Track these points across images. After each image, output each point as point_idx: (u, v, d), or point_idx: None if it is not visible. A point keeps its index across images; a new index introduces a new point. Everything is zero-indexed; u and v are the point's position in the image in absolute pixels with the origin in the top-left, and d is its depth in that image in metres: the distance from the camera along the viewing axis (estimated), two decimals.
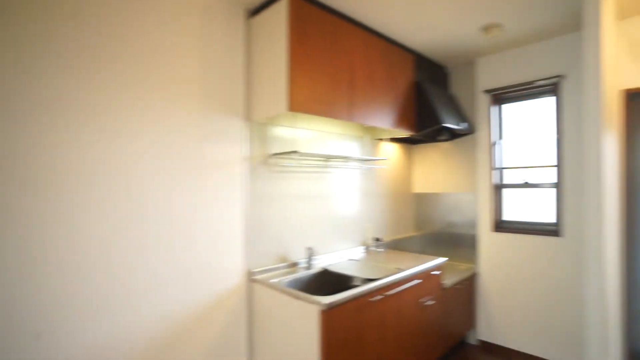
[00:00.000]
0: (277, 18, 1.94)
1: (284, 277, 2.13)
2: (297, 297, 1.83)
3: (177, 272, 1.82)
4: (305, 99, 1.93)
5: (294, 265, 2.36)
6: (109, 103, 1.61)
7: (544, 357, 2.69)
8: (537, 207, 2.82)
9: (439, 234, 3.32)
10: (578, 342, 2.54)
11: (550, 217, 2.74)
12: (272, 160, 2.24)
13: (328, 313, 1.73)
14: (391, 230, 3.20)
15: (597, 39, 1.88)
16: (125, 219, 1.65)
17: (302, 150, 2.39)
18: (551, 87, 2.70)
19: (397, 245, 3.19)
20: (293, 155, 2.28)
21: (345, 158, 2.55)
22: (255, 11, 2.12)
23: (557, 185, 2.66)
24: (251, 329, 2.14)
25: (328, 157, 2.51)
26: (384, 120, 2.48)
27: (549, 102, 2.75)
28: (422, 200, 3.43)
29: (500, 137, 2.99)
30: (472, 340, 3.10)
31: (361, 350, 1.94)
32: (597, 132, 1.93)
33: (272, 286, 1.99)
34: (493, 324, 2.95)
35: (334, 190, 2.65)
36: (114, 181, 1.62)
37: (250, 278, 2.13)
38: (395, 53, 2.60)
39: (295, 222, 2.40)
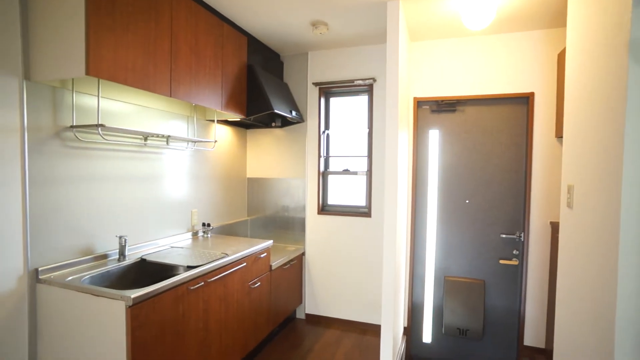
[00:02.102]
0: None
1: (87, 273, 1.81)
2: (98, 294, 1.58)
3: None
4: (112, 64, 1.65)
5: (103, 257, 2.04)
6: None
7: (359, 320, 3.14)
8: (355, 192, 3.23)
9: (271, 218, 3.44)
10: (380, 303, 3.05)
11: (363, 200, 3.18)
12: (68, 134, 1.85)
13: (138, 308, 1.55)
14: (222, 215, 3.14)
15: (396, 55, 2.24)
16: None
17: (114, 125, 2.06)
18: (366, 88, 3.11)
19: (227, 231, 3.16)
20: (100, 130, 1.94)
21: (168, 137, 2.33)
22: None
23: (368, 173, 3.10)
24: (36, 343, 1.74)
25: (147, 135, 2.25)
26: (212, 101, 2.37)
27: (365, 100, 3.16)
28: (256, 185, 3.48)
29: (327, 128, 3.29)
30: (300, 314, 3.36)
31: (181, 342, 1.82)
32: (394, 130, 2.31)
33: (66, 285, 1.66)
34: (317, 298, 3.26)
35: (156, 173, 2.40)
36: None
37: (37, 278, 1.72)
38: (228, 31, 2.51)
39: (105, 208, 2.06)
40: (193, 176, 2.75)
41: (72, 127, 1.85)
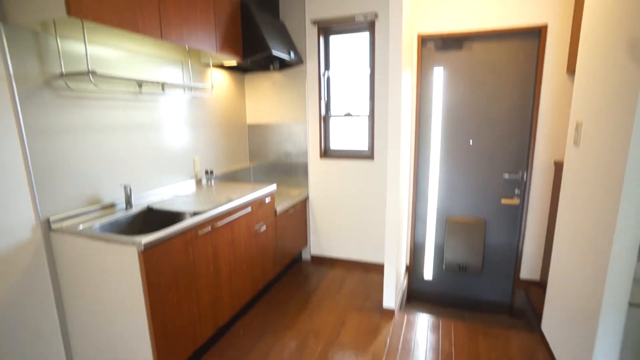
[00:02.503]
0: None
1: (97, 221, 1.85)
2: (110, 241, 1.63)
3: None
4: (96, 4, 1.54)
5: (111, 206, 2.08)
6: None
7: (362, 260, 3.27)
8: (358, 136, 3.19)
9: (274, 164, 3.44)
10: (383, 243, 3.16)
11: (365, 144, 3.15)
12: (59, 82, 1.78)
13: (149, 253, 1.61)
14: (225, 162, 3.14)
15: None
16: None
17: (105, 71, 1.98)
18: (368, 24, 2.92)
19: (231, 177, 3.18)
20: (92, 78, 1.87)
21: (163, 84, 2.25)
22: None
23: (370, 115, 3.03)
24: (59, 288, 1.83)
25: (141, 83, 2.17)
26: (205, 43, 2.25)
27: (366, 38, 2.99)
28: (256, 131, 3.43)
29: (328, 69, 3.15)
30: (306, 256, 3.49)
31: (194, 284, 1.92)
32: (398, 69, 2.21)
33: (79, 234, 1.71)
34: (322, 240, 3.37)
35: (154, 121, 2.36)
36: None
37: (51, 228, 1.77)
38: None
39: (107, 158, 2.06)
40: (193, 124, 2.70)
41: (61, 75, 1.78)
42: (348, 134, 3.22)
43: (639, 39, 1.30)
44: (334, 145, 3.26)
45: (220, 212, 2.10)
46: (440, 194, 2.85)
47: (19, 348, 1.68)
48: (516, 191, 2.66)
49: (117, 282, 1.66)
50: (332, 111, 3.22)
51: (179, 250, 1.80)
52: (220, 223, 2.09)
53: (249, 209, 2.39)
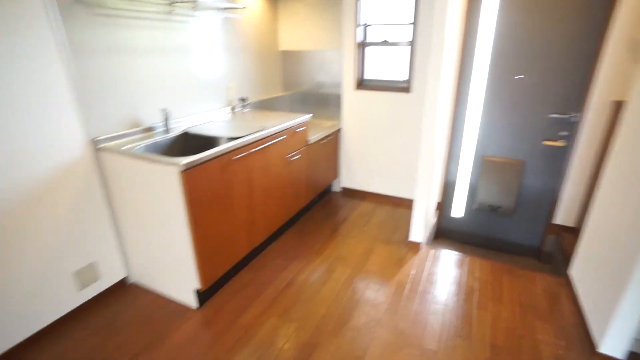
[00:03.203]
0: None
1: (139, 143, 1.93)
2: (154, 161, 1.70)
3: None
4: None
5: (150, 130, 2.14)
6: None
7: (393, 194, 3.29)
8: (395, 66, 3.01)
9: (307, 93, 3.36)
10: (414, 179, 3.14)
11: (403, 75, 2.98)
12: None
13: (189, 173, 1.68)
14: (259, 90, 3.09)
15: None
16: None
17: None
18: None
19: (264, 105, 3.15)
20: None
21: (193, 2, 2.14)
22: None
23: (411, 44, 2.82)
24: (111, 201, 1.98)
25: (171, 1, 2.08)
26: None
27: None
28: (290, 58, 3.31)
29: None
30: (336, 188, 3.55)
31: (230, 205, 2.01)
32: None
33: (124, 153, 1.79)
34: (353, 172, 3.39)
35: (186, 44, 2.31)
36: None
37: (97, 147, 1.86)
38: None
39: (145, 81, 2.07)
40: (226, 48, 2.63)
41: None
42: (385, 63, 3.04)
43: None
44: (369, 75, 3.11)
45: (254, 139, 2.12)
46: (478, 133, 2.72)
47: (81, 248, 1.88)
48: (562, 133, 2.48)
49: (162, 199, 1.77)
50: (369, 38, 3.01)
51: (215, 173, 1.86)
52: (254, 149, 2.11)
53: (283, 137, 2.40)
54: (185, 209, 1.71)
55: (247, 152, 2.07)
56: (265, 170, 2.29)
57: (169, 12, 2.12)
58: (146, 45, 2.03)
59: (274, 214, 2.48)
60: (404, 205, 3.25)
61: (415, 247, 2.56)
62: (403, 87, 2.95)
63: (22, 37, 1.50)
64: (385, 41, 2.94)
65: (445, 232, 3.11)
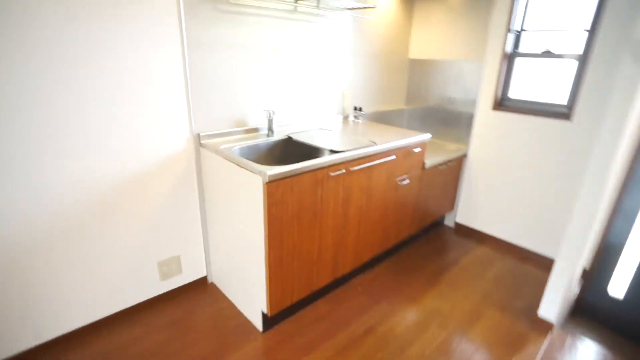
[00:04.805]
0: None
1: (238, 143, 1.84)
2: (241, 166, 1.57)
3: (119, 130, 1.52)
4: None
5: (254, 131, 2.06)
6: None
7: (520, 244, 2.62)
8: (551, 85, 2.36)
9: (433, 109, 2.93)
10: (558, 237, 2.42)
11: (561, 96, 2.31)
12: None
13: (274, 185, 1.49)
14: (376, 100, 2.80)
15: None
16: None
17: None
18: None
19: (381, 118, 2.84)
20: None
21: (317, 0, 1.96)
22: None
23: (582, 57, 2.15)
24: (202, 198, 1.96)
25: None
26: None
27: None
28: (419, 68, 2.92)
29: None
30: (449, 221, 3.03)
31: (319, 226, 1.77)
32: None
33: (219, 152, 1.72)
34: (473, 208, 2.82)
35: (306, 44, 2.16)
36: None
37: (200, 143, 1.84)
38: None
39: (257, 80, 1.99)
40: (347, 51, 2.42)
41: None
42: (537, 80, 2.41)
43: None
44: (514, 93, 2.52)
45: (360, 155, 1.83)
46: None
47: (169, 240, 1.89)
48: None
49: (245, 207, 1.63)
50: (522, 47, 2.43)
51: (306, 188, 1.64)
52: (357, 167, 1.83)
53: (393, 157, 2.06)
54: (265, 223, 1.53)
55: (347, 170, 1.80)
56: (366, 192, 1.99)
57: (293, 10, 2.00)
58: (265, 43, 1.95)
59: (368, 243, 2.16)
60: (534, 261, 2.54)
61: (545, 326, 1.91)
62: (560, 113, 2.28)
63: (154, 28, 1.52)
64: (548, 52, 2.31)
65: (591, 312, 2.30)
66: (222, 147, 1.77)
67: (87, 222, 1.58)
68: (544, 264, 2.50)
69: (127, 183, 1.65)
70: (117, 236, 1.69)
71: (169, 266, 1.93)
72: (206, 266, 2.10)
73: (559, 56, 2.26)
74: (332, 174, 1.72)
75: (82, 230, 1.57)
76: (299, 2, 1.99)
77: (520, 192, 2.53)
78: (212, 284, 2.13)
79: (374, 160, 1.94)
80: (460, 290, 2.17)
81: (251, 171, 1.51)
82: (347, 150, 1.80)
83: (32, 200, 1.41)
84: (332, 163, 1.71)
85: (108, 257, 1.69)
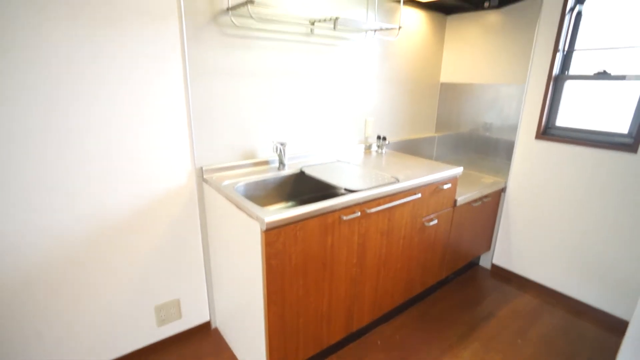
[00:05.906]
0: None
1: (244, 178, 1.68)
2: (240, 208, 1.39)
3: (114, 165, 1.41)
4: None
5: (264, 163, 1.89)
6: None
7: (572, 295, 2.24)
8: (609, 111, 2.03)
9: (466, 137, 2.65)
10: (626, 290, 2.03)
11: (621, 124, 1.97)
12: (224, 18, 1.58)
13: (274, 234, 1.29)
14: (403, 127, 2.57)
15: None
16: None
17: (268, 2, 1.67)
18: None
19: (407, 148, 2.60)
20: (250, 9, 1.60)
21: (335, 21, 1.78)
22: None
23: None
24: (206, 232, 1.80)
25: (313, 21, 1.79)
26: None
27: None
28: (451, 93, 2.67)
29: (581, 1, 2.03)
30: (485, 262, 2.69)
31: (329, 277, 1.55)
32: None
33: (220, 189, 1.55)
34: (513, 249, 2.47)
35: (323, 69, 1.99)
36: None
37: (203, 177, 1.70)
38: None
39: (268, 108, 1.84)
40: (370, 75, 2.23)
41: (228, 9, 1.57)
42: (591, 106, 2.09)
43: None
44: (562, 121, 2.19)
45: (378, 194, 1.61)
46: None
47: (168, 282, 1.74)
48: None
49: (244, 253, 1.45)
50: (573, 69, 2.12)
51: (314, 236, 1.43)
52: (374, 209, 1.60)
53: (418, 195, 1.81)
54: (263, 277, 1.33)
55: (363, 212, 1.58)
56: (386, 236, 1.75)
57: (309, 33, 1.85)
58: (274, 68, 1.80)
59: (388, 292, 1.90)
60: (589, 316, 2.15)
61: None
62: (621, 144, 1.94)
63: (153, 54, 1.41)
64: (605, 73, 2.00)
65: None
66: (225, 183, 1.61)
67: (77, 263, 1.45)
68: (606, 322, 2.10)
69: (122, 222, 1.52)
70: (109, 278, 1.55)
71: (168, 310, 1.77)
72: (209, 310, 1.93)
73: (620, 77, 1.94)
74: (345, 217, 1.50)
75: (71, 272, 1.45)
76: (315, 24, 1.84)
77: (569, 233, 2.17)
78: (216, 330, 1.95)
79: (396, 200, 1.70)
80: (497, 353, 1.84)
81: (249, 215, 1.33)
82: (362, 190, 1.58)
83: (18, 243, 1.30)
84: (344, 205, 1.49)
85: (99, 302, 1.56)
